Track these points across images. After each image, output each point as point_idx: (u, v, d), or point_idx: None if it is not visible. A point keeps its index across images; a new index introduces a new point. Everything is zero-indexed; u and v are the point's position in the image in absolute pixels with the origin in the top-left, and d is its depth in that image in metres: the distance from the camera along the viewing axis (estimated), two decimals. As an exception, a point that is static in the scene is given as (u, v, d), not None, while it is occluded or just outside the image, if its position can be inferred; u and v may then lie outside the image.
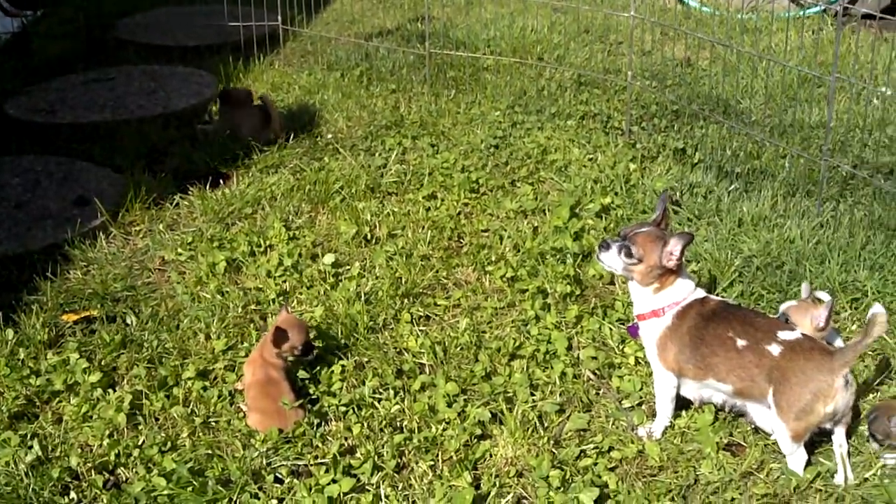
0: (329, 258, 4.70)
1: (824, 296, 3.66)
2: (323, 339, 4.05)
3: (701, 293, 3.46)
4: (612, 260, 3.43)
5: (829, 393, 3.06)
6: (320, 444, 3.49)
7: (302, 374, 3.82)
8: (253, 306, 4.35)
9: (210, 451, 3.47)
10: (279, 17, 7.70)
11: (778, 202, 4.88)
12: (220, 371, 3.97)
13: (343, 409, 3.66)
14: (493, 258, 4.71)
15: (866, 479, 3.20)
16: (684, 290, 3.41)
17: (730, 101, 6.22)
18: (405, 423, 3.60)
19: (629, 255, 3.38)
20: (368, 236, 4.98)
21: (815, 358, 3.09)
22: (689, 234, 3.34)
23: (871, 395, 3.63)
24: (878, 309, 3.07)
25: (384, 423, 3.59)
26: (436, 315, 4.31)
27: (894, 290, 4.07)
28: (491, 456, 3.43)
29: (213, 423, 3.67)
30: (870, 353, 3.77)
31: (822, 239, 4.45)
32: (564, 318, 4.20)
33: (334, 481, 3.25)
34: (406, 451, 3.46)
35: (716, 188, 5.11)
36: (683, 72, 6.99)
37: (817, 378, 3.07)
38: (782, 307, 3.64)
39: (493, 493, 3.22)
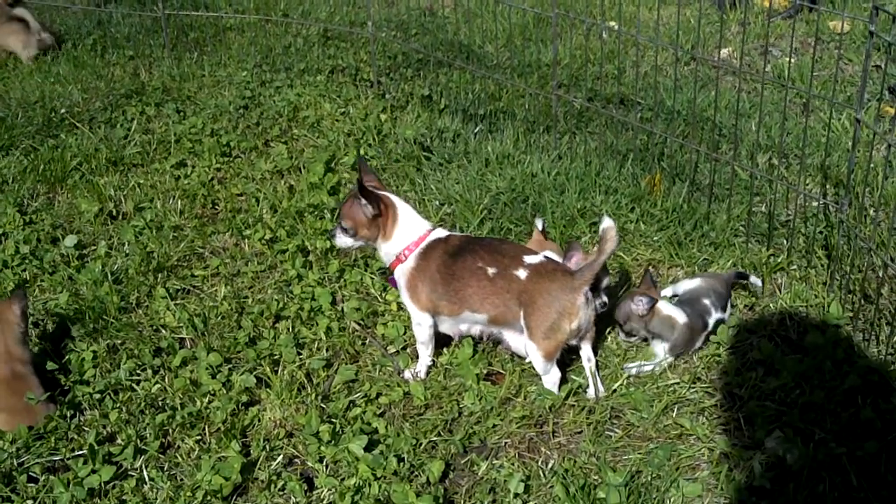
0: (71, 240, 4.42)
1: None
2: (69, 326, 3.82)
3: (442, 232, 3.56)
4: (342, 243, 3.63)
5: (573, 310, 3.25)
6: (76, 436, 3.31)
7: (50, 364, 3.58)
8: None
9: (-48, 461, 3.21)
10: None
11: (520, 139, 5.09)
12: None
13: (98, 396, 3.48)
14: (251, 221, 4.62)
15: (614, 391, 3.45)
16: (415, 231, 3.52)
17: (472, 46, 6.39)
18: (167, 401, 3.48)
19: (344, 230, 3.57)
20: (114, 212, 4.73)
21: (557, 279, 3.27)
22: (358, 180, 3.46)
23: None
24: (606, 223, 3.24)
25: (144, 404, 3.45)
26: (194, 287, 4.18)
27: (627, 211, 4.38)
28: (259, 421, 3.39)
29: (-46, 431, 3.39)
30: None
31: (560, 170, 4.69)
32: (327, 273, 4.19)
33: (94, 471, 3.10)
34: (170, 430, 3.35)
35: (463, 131, 5.26)
36: (427, 20, 7.09)
37: (561, 297, 3.25)
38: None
39: (262, 458, 3.19)
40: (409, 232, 3.51)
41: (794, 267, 4.00)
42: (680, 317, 3.53)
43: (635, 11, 6.94)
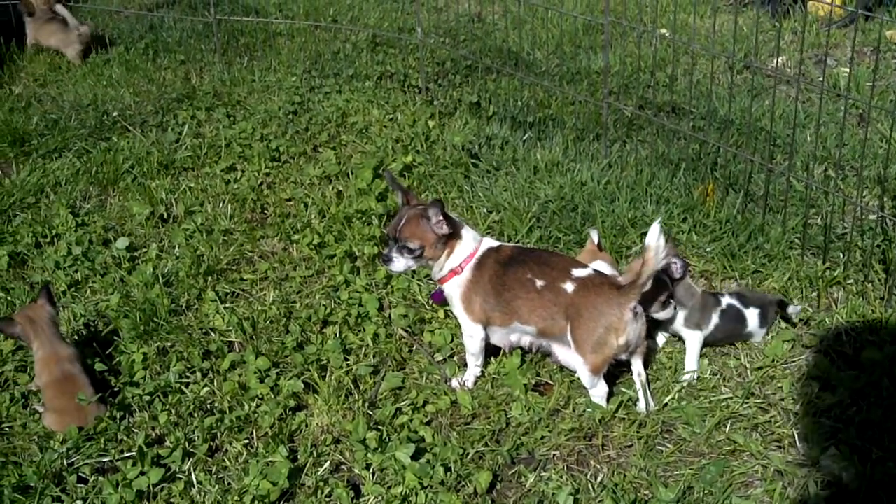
0: (122, 242, 4.47)
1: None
2: (121, 327, 3.85)
3: (493, 242, 3.53)
4: (402, 266, 3.49)
5: (620, 326, 3.20)
6: (125, 438, 3.33)
7: (100, 366, 3.62)
8: (21, 309, 4.06)
9: (4, 459, 3.26)
10: (51, -9, 7.18)
11: (569, 147, 5.04)
12: (10, 373, 3.71)
13: (147, 398, 3.50)
14: (299, 226, 4.63)
15: (666, 405, 3.40)
16: (472, 242, 3.48)
17: (520, 53, 6.36)
18: (216, 404, 3.50)
19: (410, 251, 3.43)
20: (165, 216, 4.77)
21: (604, 293, 3.22)
22: (438, 200, 3.41)
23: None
24: (650, 237, 3.09)
25: (193, 407, 3.47)
26: (242, 290, 4.20)
27: (679, 221, 4.31)
28: (307, 426, 3.39)
29: (7, 429, 3.45)
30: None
31: (610, 179, 4.64)
32: (374, 279, 4.19)
33: (143, 473, 3.12)
34: (218, 434, 3.36)
35: (511, 138, 5.23)
36: (475, 27, 7.08)
37: (608, 312, 3.20)
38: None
39: (309, 464, 3.19)
40: (468, 245, 3.47)
41: (851, 281, 3.90)
42: (698, 287, 3.59)
43: (687, 19, 6.88)
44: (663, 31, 6.61)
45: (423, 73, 6.07)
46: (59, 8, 7.00)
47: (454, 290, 3.49)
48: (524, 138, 5.21)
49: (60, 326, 3.66)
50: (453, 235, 3.44)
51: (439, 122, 5.55)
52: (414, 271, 4.15)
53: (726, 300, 3.60)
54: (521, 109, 5.55)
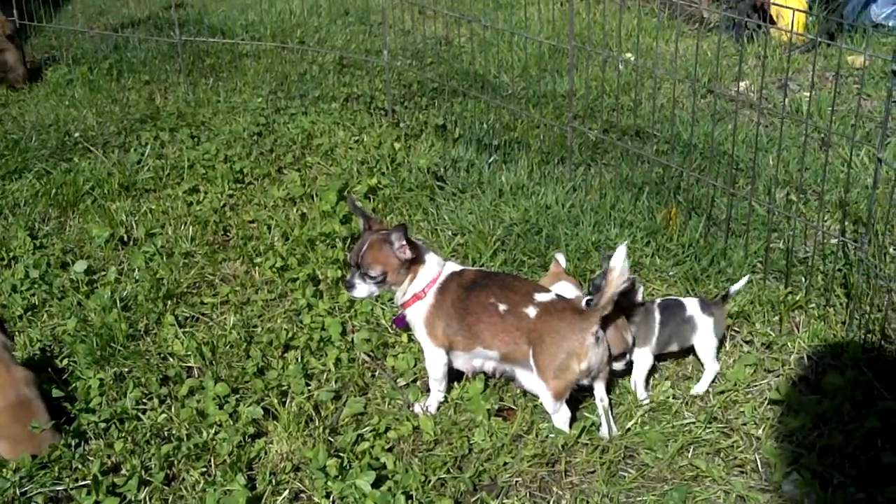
0: (81, 265, 4.40)
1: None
2: (77, 353, 3.78)
3: (456, 266, 3.51)
4: (365, 292, 3.43)
5: (582, 351, 3.18)
6: (80, 466, 3.25)
7: (56, 392, 3.54)
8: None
9: (-46, 489, 3.16)
10: (14, 13, 7.09)
11: (534, 170, 5.05)
12: (-40, 400, 3.61)
13: (103, 425, 3.43)
14: (262, 249, 4.58)
15: (628, 430, 3.38)
16: (436, 266, 3.45)
17: (487, 75, 6.38)
18: (173, 431, 3.43)
19: (372, 278, 3.38)
20: (125, 238, 4.71)
21: (566, 318, 3.20)
22: (402, 224, 3.37)
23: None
24: (614, 260, 3.09)
25: (150, 434, 3.40)
26: (203, 314, 4.14)
27: (642, 245, 4.32)
28: (266, 454, 3.33)
29: (-43, 458, 3.34)
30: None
31: (575, 202, 4.65)
32: (337, 303, 4.15)
33: (98, 503, 3.04)
34: (175, 462, 3.29)
35: (477, 161, 5.23)
36: (442, 49, 7.09)
37: (570, 337, 3.18)
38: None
39: (268, 492, 3.13)
40: (430, 270, 3.43)
41: (813, 305, 3.92)
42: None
43: (651, 43, 6.94)
44: (628, 55, 6.66)
45: (389, 96, 6.07)
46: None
47: (417, 314, 3.46)
48: (490, 161, 5.22)
49: (15, 352, 3.57)
50: (416, 260, 3.41)
51: (405, 145, 5.55)
52: (378, 296, 4.12)
53: (658, 300, 3.59)
54: (487, 132, 5.56)
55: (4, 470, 3.22)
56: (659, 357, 3.62)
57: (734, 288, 3.65)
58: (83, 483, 3.15)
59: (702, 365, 3.58)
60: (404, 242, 3.34)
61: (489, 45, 6.62)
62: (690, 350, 3.63)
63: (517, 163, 5.15)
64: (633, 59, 6.24)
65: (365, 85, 6.51)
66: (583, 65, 6.36)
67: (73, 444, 3.33)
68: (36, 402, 3.39)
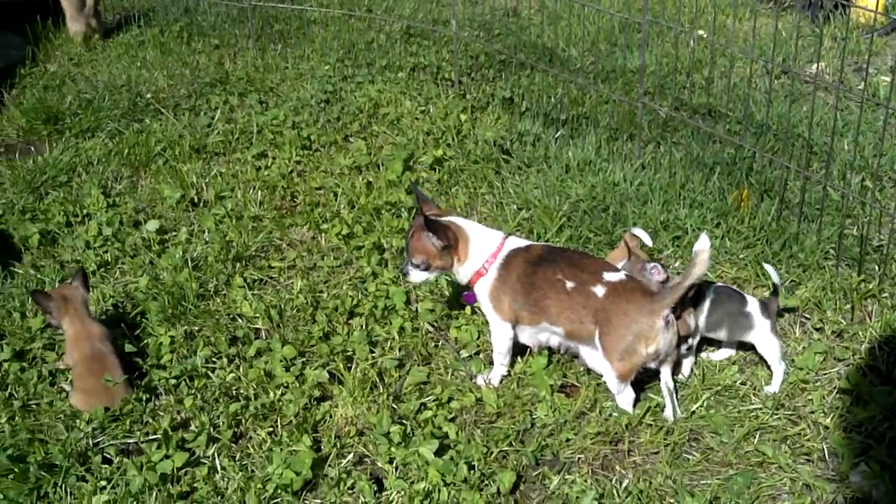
0: (153, 224, 4.48)
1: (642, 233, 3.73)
2: (149, 310, 3.86)
3: (521, 241, 3.51)
4: (419, 278, 3.54)
5: (651, 335, 3.15)
6: (151, 420, 3.34)
7: (129, 347, 3.63)
8: (56, 287, 4.08)
9: (31, 436, 3.26)
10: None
11: (602, 146, 5.00)
12: (38, 350, 3.73)
13: (174, 381, 3.51)
14: (328, 216, 4.62)
15: (693, 412, 3.35)
16: (490, 244, 3.46)
17: (555, 49, 6.32)
18: (241, 391, 3.50)
19: (416, 265, 3.47)
20: (195, 200, 4.78)
21: (636, 300, 3.17)
22: (423, 216, 3.41)
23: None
24: (700, 245, 3.09)
25: (218, 392, 3.47)
26: (270, 278, 4.20)
27: (712, 226, 4.26)
28: (331, 417, 3.38)
29: (34, 406, 3.46)
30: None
31: (643, 180, 4.60)
32: (402, 272, 4.17)
33: (167, 457, 3.12)
34: (243, 420, 3.36)
35: (543, 135, 5.19)
36: (510, 21, 7.03)
37: (639, 320, 3.14)
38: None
39: (333, 455, 3.18)
40: (483, 247, 3.45)
41: (886, 294, 3.84)
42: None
43: (725, 21, 6.80)
44: (701, 31, 6.53)
45: (456, 67, 6.04)
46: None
47: (482, 289, 3.47)
48: (556, 136, 5.17)
49: (90, 307, 3.67)
50: (460, 243, 3.43)
51: (471, 117, 5.52)
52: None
53: (716, 284, 3.53)
54: (555, 106, 5.51)
55: (78, 420, 3.32)
56: (705, 339, 3.58)
57: (775, 278, 3.54)
58: (153, 437, 3.24)
59: (769, 366, 3.52)
60: (433, 237, 3.39)
61: (558, 17, 6.54)
62: (743, 346, 3.57)
63: (584, 138, 5.09)
64: (706, 35, 6.11)
65: (432, 55, 6.48)
66: (654, 40, 6.25)
67: (144, 398, 3.42)
68: (110, 357, 3.48)
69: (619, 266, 3.49)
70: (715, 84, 5.70)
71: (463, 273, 3.49)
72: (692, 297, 3.37)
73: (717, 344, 3.62)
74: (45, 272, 4.16)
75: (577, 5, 5.85)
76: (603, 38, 6.57)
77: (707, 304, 3.45)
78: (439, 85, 6.03)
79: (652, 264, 3.41)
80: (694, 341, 3.45)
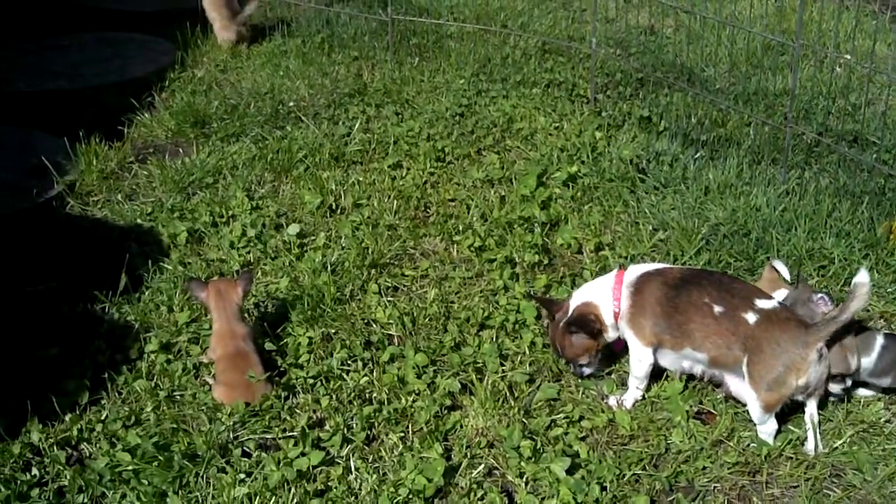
0: (294, 228, 4.62)
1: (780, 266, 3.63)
2: (289, 310, 3.98)
3: (644, 266, 3.51)
4: (593, 368, 3.61)
5: (802, 366, 3.05)
6: (288, 417, 3.44)
7: (269, 346, 3.75)
8: (216, 278, 4.26)
9: (175, 426, 3.40)
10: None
11: (744, 170, 4.88)
12: (183, 344, 3.89)
13: (311, 381, 3.60)
14: (461, 228, 4.66)
15: (835, 448, 3.23)
16: (606, 282, 3.51)
17: (694, 68, 6.21)
18: (374, 394, 3.56)
19: (589, 362, 3.58)
20: (333, 206, 4.90)
21: (789, 329, 3.08)
22: (564, 324, 3.50)
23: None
24: (861, 278, 3.00)
25: (353, 395, 3.54)
26: (403, 285, 4.26)
27: (860, 257, 4.10)
28: (461, 427, 3.41)
29: (178, 397, 3.60)
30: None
31: (788, 206, 4.46)
32: (533, 287, 4.17)
33: (303, 454, 3.21)
34: (376, 423, 3.42)
35: (681, 156, 5.10)
36: (647, 39, 6.96)
37: (791, 350, 3.05)
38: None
39: (464, 464, 3.20)
40: (603, 293, 3.49)
41: None
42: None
43: (868, 45, 6.54)
44: (847, 56, 6.30)
45: (592, 84, 6.01)
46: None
47: (621, 321, 3.47)
48: (695, 157, 5.08)
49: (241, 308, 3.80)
50: (598, 316, 3.48)
51: (606, 134, 5.48)
52: (572, 279, 4.15)
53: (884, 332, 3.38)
54: (695, 127, 5.41)
55: (220, 413, 3.45)
56: (861, 383, 3.43)
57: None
58: (290, 434, 3.33)
59: None
60: (578, 333, 3.46)
61: (697, 36, 6.43)
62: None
63: (725, 160, 4.98)
64: (852, 60, 5.90)
65: (567, 72, 6.47)
66: (798, 64, 6.06)
67: (282, 396, 3.52)
68: (252, 356, 3.61)
69: (785, 294, 3.40)
70: (863, 111, 5.49)
71: (611, 328, 3.51)
72: (854, 336, 3.25)
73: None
74: (192, 269, 4.35)
75: (718, 24, 5.74)
76: (744, 59, 6.42)
77: (877, 349, 3.32)
78: (574, 102, 6.01)
79: (819, 295, 3.31)
80: (849, 382, 3.32)
